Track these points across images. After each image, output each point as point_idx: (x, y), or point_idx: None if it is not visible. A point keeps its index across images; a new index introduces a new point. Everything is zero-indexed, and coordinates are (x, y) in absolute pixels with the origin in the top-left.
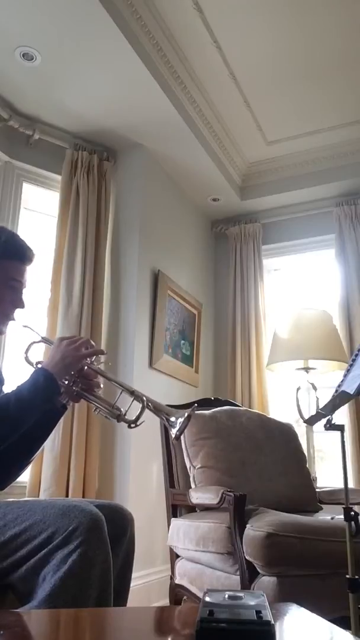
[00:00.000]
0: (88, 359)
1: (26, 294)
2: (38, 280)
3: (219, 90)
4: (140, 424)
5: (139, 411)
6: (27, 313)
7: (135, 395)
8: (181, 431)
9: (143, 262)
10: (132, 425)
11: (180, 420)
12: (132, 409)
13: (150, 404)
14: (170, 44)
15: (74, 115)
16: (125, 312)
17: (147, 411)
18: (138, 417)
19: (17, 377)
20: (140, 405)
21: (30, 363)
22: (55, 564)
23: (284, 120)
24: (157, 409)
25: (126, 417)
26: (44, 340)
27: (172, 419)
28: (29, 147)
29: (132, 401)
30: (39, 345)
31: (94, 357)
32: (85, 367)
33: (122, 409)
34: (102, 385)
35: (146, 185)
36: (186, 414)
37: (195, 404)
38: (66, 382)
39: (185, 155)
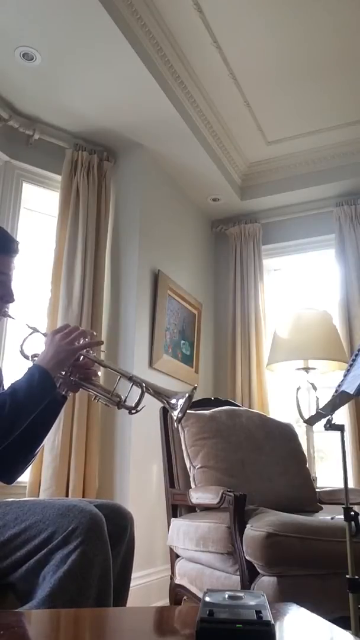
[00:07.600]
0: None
1: (15, 286)
2: (38, 281)
3: (219, 90)
4: (140, 409)
5: (138, 396)
6: (27, 311)
7: (134, 380)
8: (183, 412)
9: (143, 262)
10: (133, 411)
11: (181, 401)
12: (132, 394)
13: (150, 388)
14: (170, 44)
15: (74, 115)
16: (125, 312)
17: (148, 398)
18: (138, 402)
19: (17, 373)
20: (140, 391)
21: (26, 356)
22: (55, 564)
23: (284, 120)
24: (157, 393)
25: (126, 403)
26: (35, 330)
27: (173, 401)
28: (29, 147)
29: (132, 387)
30: (39, 337)
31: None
32: (82, 357)
33: (121, 396)
34: (99, 374)
35: (146, 185)
36: (187, 395)
37: (195, 385)
38: (63, 373)
39: (185, 155)
